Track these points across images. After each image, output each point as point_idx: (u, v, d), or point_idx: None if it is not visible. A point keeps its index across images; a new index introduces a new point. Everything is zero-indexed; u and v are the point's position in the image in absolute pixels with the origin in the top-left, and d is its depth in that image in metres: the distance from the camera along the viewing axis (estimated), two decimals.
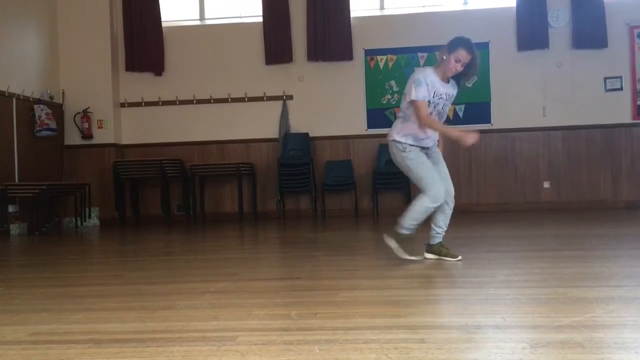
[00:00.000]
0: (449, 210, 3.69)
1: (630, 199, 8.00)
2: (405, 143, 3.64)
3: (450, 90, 3.67)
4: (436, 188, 3.54)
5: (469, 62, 3.56)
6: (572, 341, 1.85)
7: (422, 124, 3.57)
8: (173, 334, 2.09)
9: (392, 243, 3.69)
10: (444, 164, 3.76)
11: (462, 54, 3.52)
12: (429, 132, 3.64)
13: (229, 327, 2.20)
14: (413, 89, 3.55)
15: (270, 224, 7.40)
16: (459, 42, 3.55)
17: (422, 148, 3.68)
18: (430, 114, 3.59)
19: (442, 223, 3.69)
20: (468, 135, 3.52)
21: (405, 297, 2.71)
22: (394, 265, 3.59)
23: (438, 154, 3.76)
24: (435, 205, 3.56)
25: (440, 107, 3.63)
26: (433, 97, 3.57)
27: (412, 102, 3.57)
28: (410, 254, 3.64)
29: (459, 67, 3.54)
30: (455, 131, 3.62)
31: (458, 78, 3.68)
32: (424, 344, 1.87)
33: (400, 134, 3.66)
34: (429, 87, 3.56)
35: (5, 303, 2.85)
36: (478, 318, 2.20)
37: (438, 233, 3.70)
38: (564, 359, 1.68)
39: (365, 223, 6.75)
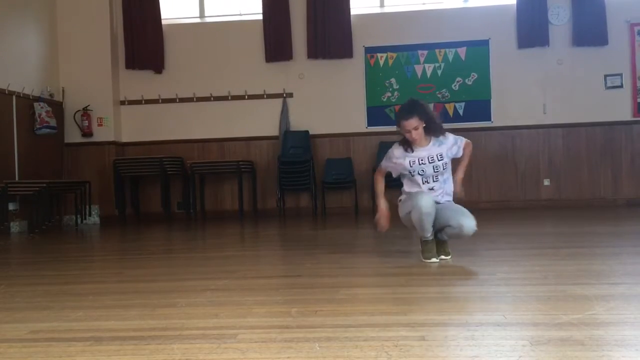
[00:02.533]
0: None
1: (631, 197, 8.01)
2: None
3: (433, 149, 3.58)
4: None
5: (424, 119, 3.52)
6: (572, 339, 1.85)
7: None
8: (173, 332, 2.09)
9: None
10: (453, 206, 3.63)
11: (403, 126, 3.52)
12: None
13: (230, 324, 2.20)
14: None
15: (271, 222, 7.40)
16: (396, 117, 3.69)
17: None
18: (424, 179, 3.60)
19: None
20: (382, 217, 3.67)
21: (406, 294, 2.71)
22: (394, 263, 3.59)
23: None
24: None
25: (430, 170, 3.58)
26: (413, 165, 3.57)
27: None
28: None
29: (414, 135, 3.50)
30: (381, 204, 3.71)
31: (431, 135, 3.60)
32: (424, 341, 1.87)
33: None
34: (397, 160, 3.62)
35: (5, 301, 2.86)
36: (478, 315, 2.20)
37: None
38: (564, 357, 1.68)
39: (365, 220, 6.75)
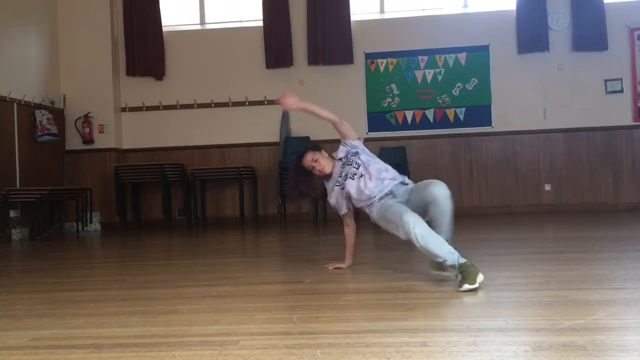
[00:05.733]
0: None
1: (632, 201, 8.00)
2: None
3: (338, 167, 3.93)
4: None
5: (317, 149, 3.89)
6: (574, 344, 1.84)
7: None
8: (175, 339, 2.09)
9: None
10: None
11: (305, 165, 3.83)
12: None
13: (231, 331, 2.20)
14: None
15: (272, 228, 7.40)
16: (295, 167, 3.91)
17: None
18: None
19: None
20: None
21: (407, 300, 2.71)
22: (395, 269, 3.59)
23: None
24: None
25: (352, 170, 3.82)
26: (341, 186, 3.82)
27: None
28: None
29: (318, 167, 3.81)
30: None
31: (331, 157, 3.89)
32: (426, 347, 1.87)
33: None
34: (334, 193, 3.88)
35: (6, 308, 2.85)
36: (480, 321, 2.20)
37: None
38: None
39: (366, 226, 6.73)
